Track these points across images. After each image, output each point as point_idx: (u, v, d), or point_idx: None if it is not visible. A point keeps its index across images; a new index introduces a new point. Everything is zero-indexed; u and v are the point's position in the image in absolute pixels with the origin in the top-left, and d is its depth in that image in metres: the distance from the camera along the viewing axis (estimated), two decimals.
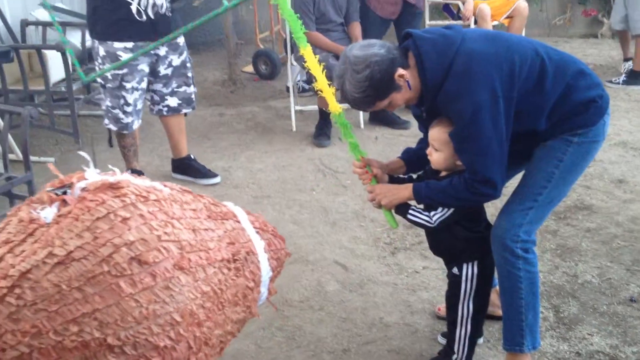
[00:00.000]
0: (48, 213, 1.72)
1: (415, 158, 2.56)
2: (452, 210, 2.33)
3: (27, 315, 1.61)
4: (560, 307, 2.91)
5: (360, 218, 3.78)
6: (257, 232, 2.04)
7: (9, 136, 3.63)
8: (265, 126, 5.36)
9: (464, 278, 2.43)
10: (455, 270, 2.46)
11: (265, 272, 2.01)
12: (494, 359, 2.64)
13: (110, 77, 3.79)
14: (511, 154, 2.23)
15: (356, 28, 4.95)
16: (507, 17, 6.25)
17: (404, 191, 2.38)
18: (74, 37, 5.45)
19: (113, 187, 1.77)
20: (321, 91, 2.46)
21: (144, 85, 3.92)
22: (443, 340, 2.68)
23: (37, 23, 5.42)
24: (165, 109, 4.11)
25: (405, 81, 2.22)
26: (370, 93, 2.22)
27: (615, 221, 3.61)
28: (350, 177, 4.25)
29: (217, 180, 4.30)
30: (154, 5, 3.76)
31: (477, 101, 2.13)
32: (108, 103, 3.91)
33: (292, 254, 2.76)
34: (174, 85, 4.05)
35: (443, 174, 2.41)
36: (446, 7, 6.57)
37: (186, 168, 4.34)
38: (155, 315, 1.67)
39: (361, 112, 5.20)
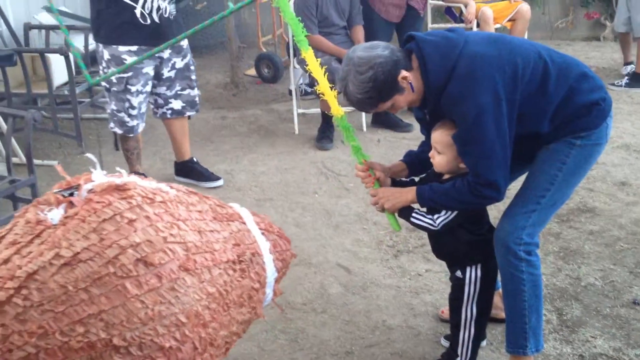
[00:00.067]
0: (55, 214, 1.73)
1: (417, 161, 2.56)
2: (455, 213, 2.33)
3: (34, 316, 1.62)
4: (564, 310, 2.90)
5: (363, 221, 3.78)
6: (263, 234, 2.04)
7: (13, 139, 3.63)
8: (267, 129, 5.37)
9: (467, 281, 2.43)
10: (458, 273, 2.46)
11: (271, 273, 2.01)
12: None
13: (115, 80, 3.79)
14: (514, 157, 2.23)
15: (359, 31, 4.96)
16: (510, 20, 6.26)
17: (407, 194, 2.38)
18: (78, 41, 5.46)
19: (119, 188, 1.77)
20: (323, 94, 2.46)
21: (148, 88, 3.93)
22: (446, 343, 2.68)
23: (40, 27, 5.44)
24: (169, 111, 4.12)
25: (409, 83, 2.23)
26: (373, 94, 2.23)
27: (618, 224, 3.61)
28: (353, 180, 4.25)
29: (219, 183, 4.30)
30: (159, 9, 3.76)
31: (480, 104, 2.13)
32: (113, 106, 3.92)
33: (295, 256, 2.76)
34: (178, 88, 4.05)
35: (446, 176, 2.41)
36: (448, 10, 6.58)
37: (189, 171, 4.34)
38: (161, 316, 1.68)
39: (363, 115, 5.20)
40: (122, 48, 3.76)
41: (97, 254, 1.65)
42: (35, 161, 3.49)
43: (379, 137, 5.06)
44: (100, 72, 3.91)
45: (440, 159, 2.34)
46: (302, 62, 5.05)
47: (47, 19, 5.70)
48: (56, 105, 4.81)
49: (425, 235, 2.78)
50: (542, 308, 2.45)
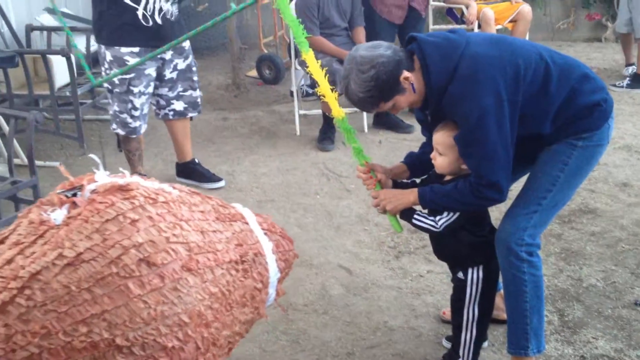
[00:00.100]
0: (58, 215, 1.73)
1: (418, 162, 2.56)
2: (457, 214, 2.33)
3: (37, 316, 1.63)
4: (565, 311, 2.90)
5: (364, 222, 3.78)
6: (265, 234, 2.05)
7: (14, 140, 3.64)
8: (269, 130, 5.37)
9: (469, 282, 2.43)
10: (460, 274, 2.46)
11: (274, 273, 2.02)
12: None
13: (117, 81, 3.80)
14: (516, 158, 2.23)
15: (360, 33, 4.96)
16: (511, 21, 6.26)
17: (409, 196, 2.38)
18: (79, 42, 5.46)
19: (122, 189, 1.78)
20: (324, 96, 2.45)
21: (150, 89, 3.94)
22: (448, 344, 2.68)
23: (42, 28, 5.45)
24: (171, 113, 4.12)
25: (410, 84, 2.23)
26: (375, 94, 2.23)
27: (620, 225, 3.61)
28: (354, 181, 4.25)
29: (221, 184, 4.30)
30: (160, 10, 3.77)
31: (483, 105, 2.13)
32: (116, 108, 3.92)
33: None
34: (180, 89, 4.06)
35: (447, 178, 2.41)
36: (450, 12, 6.58)
37: (190, 172, 4.35)
38: (164, 316, 1.68)
39: (365, 116, 5.21)
40: (124, 49, 3.77)
41: (100, 254, 1.66)
42: (37, 162, 3.50)
43: (380, 138, 5.06)
44: (103, 73, 3.91)
45: (442, 160, 2.34)
46: (304, 64, 5.03)
47: (49, 20, 5.71)
48: (58, 107, 4.81)
49: (426, 236, 2.78)
50: (544, 309, 2.45)
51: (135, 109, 3.90)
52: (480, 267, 2.42)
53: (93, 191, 1.78)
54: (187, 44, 4.01)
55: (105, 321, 1.64)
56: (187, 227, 1.80)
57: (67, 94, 4.83)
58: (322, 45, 4.80)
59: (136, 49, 3.78)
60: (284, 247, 2.10)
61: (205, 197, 2.00)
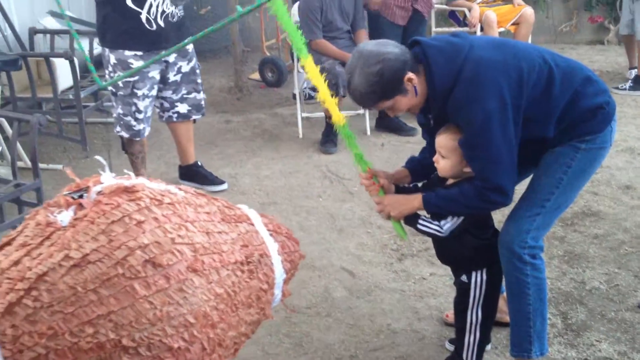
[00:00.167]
0: (65, 216, 1.74)
1: (419, 167, 2.56)
2: (461, 218, 2.33)
3: (44, 317, 1.63)
4: (568, 314, 2.90)
5: (367, 225, 3.78)
6: (271, 235, 2.05)
7: (17, 143, 3.65)
8: (272, 133, 5.38)
9: (472, 285, 2.43)
10: (464, 277, 2.45)
11: (279, 274, 2.02)
12: None
13: (121, 84, 3.81)
14: (519, 160, 2.24)
15: (362, 36, 4.97)
16: (513, 24, 6.26)
17: (414, 201, 2.37)
18: (82, 45, 5.47)
19: (128, 190, 1.79)
20: (324, 102, 2.43)
21: (154, 92, 3.94)
22: (451, 347, 2.68)
23: (45, 31, 5.46)
24: (175, 115, 4.13)
25: (413, 86, 2.22)
26: (377, 90, 2.21)
27: (623, 227, 3.61)
28: (357, 183, 4.25)
29: (224, 187, 4.31)
30: (163, 12, 3.77)
31: (487, 109, 2.13)
32: (119, 110, 3.93)
33: None
34: (184, 91, 4.07)
35: (450, 181, 2.40)
36: (452, 14, 6.59)
37: (193, 175, 4.35)
38: (169, 317, 1.69)
39: (367, 119, 5.21)
40: (128, 52, 3.78)
41: (106, 255, 1.67)
42: (40, 165, 3.50)
43: (382, 141, 5.07)
44: (107, 76, 3.92)
45: (445, 163, 2.34)
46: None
47: (52, 23, 5.72)
48: (61, 110, 4.82)
49: (429, 238, 2.78)
50: (547, 312, 2.45)
51: (139, 111, 3.91)
52: (484, 270, 2.42)
53: (99, 193, 1.79)
54: (190, 47, 4.01)
55: (111, 322, 1.65)
56: (193, 228, 1.80)
57: (70, 96, 4.84)
58: (325, 48, 4.81)
59: (140, 52, 3.79)
60: (290, 248, 2.11)
61: (211, 198, 2.00)
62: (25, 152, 4.39)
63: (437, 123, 2.37)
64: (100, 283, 1.65)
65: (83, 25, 5.76)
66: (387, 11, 5.07)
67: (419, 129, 2.56)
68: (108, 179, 1.84)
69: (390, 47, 2.21)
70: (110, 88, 3.89)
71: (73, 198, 1.79)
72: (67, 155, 5.01)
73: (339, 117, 2.44)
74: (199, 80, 4.14)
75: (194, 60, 4.07)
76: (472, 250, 2.40)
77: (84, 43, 5.39)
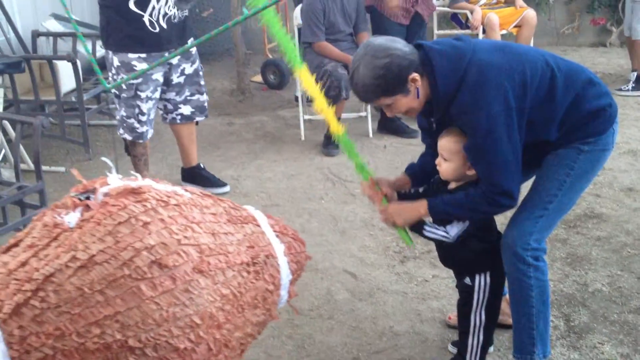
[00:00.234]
0: (72, 218, 1.75)
1: (420, 173, 2.55)
2: (467, 222, 2.32)
3: (51, 317, 1.64)
4: (571, 316, 2.90)
5: (369, 227, 3.78)
6: (277, 236, 2.05)
7: (20, 146, 3.65)
8: (274, 135, 5.38)
9: (476, 288, 2.43)
10: (467, 280, 2.45)
11: (285, 275, 2.02)
12: None
13: (125, 87, 3.81)
14: (522, 163, 2.24)
15: (365, 38, 4.96)
16: (516, 26, 6.26)
17: (419, 208, 2.35)
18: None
19: (134, 192, 1.79)
20: (321, 112, 2.41)
21: (157, 94, 3.95)
22: (453, 349, 2.68)
23: (48, 34, 5.47)
24: (179, 117, 4.13)
25: (416, 88, 2.22)
26: (382, 83, 2.18)
27: (626, 230, 3.60)
28: (359, 186, 4.25)
29: (226, 189, 4.31)
30: (165, 15, 3.78)
31: (492, 113, 2.13)
32: (123, 113, 3.93)
33: None
34: (187, 93, 4.07)
35: (452, 185, 2.40)
36: (454, 17, 6.59)
37: (196, 177, 4.36)
38: (175, 318, 1.70)
39: (370, 121, 5.21)
40: (131, 55, 3.78)
41: (113, 257, 1.67)
42: (43, 167, 3.51)
43: (385, 143, 5.07)
44: (110, 78, 3.93)
45: (447, 166, 2.34)
46: (308, 69, 5.06)
47: (55, 26, 5.74)
48: (64, 112, 4.83)
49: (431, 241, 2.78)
50: (550, 314, 2.45)
51: (143, 114, 3.91)
52: (488, 273, 2.42)
53: (106, 194, 1.80)
54: (194, 49, 4.02)
55: (117, 322, 1.65)
56: (199, 229, 1.81)
57: (73, 99, 4.85)
58: (327, 50, 4.82)
59: (144, 55, 3.79)
60: (296, 249, 2.11)
61: (217, 199, 2.01)
62: (28, 155, 4.40)
63: (440, 126, 2.37)
64: (107, 284, 1.65)
65: (85, 28, 5.77)
66: (389, 12, 5.08)
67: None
68: (115, 181, 1.84)
69: (400, 44, 2.20)
70: (113, 90, 3.90)
71: (80, 199, 1.80)
72: (69, 158, 5.02)
73: (337, 127, 2.42)
74: (202, 82, 4.15)
75: (197, 62, 4.08)
76: (476, 254, 2.40)
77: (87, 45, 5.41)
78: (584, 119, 2.29)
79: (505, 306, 2.67)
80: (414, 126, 5.07)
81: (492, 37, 5.96)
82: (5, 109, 4.70)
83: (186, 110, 4.12)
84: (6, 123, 4.31)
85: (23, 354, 1.63)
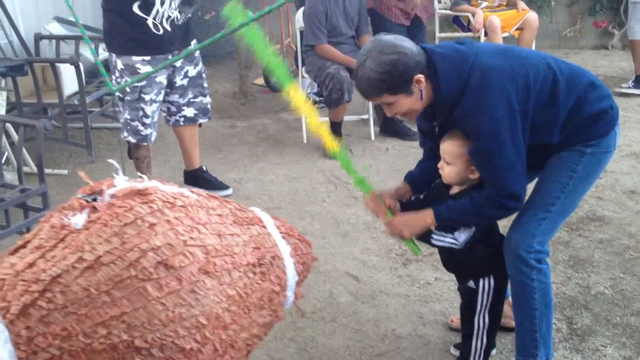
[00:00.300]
0: (79, 219, 1.76)
1: (419, 180, 2.55)
2: (474, 228, 2.32)
3: (58, 318, 1.65)
4: (573, 319, 2.90)
5: (371, 229, 3.79)
6: (283, 237, 2.05)
7: (23, 149, 3.66)
8: (276, 138, 5.39)
9: (480, 291, 2.42)
10: (471, 283, 2.45)
11: (291, 276, 2.03)
12: None
13: (129, 89, 3.82)
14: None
15: (367, 41, 4.97)
16: (517, 29, 6.27)
17: (425, 218, 2.34)
18: (87, 51, 5.50)
19: (141, 193, 1.80)
20: (314, 130, 2.39)
21: (161, 97, 3.96)
22: (456, 352, 2.68)
23: (50, 37, 5.48)
24: (182, 119, 4.14)
25: (420, 90, 2.22)
26: (386, 79, 2.16)
27: (628, 232, 3.60)
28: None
29: (228, 192, 4.32)
30: (169, 17, 3.79)
31: (496, 117, 2.13)
32: (127, 115, 3.94)
33: None
34: (190, 95, 4.08)
35: (454, 189, 2.40)
36: (456, 20, 6.60)
37: (198, 180, 4.36)
38: (181, 318, 1.70)
39: (372, 124, 5.22)
40: (135, 58, 3.79)
41: (119, 257, 1.68)
42: (46, 170, 3.51)
43: (387, 146, 5.07)
44: (114, 81, 3.93)
45: (450, 169, 2.33)
46: (310, 72, 5.09)
47: (57, 29, 5.75)
48: (66, 115, 4.84)
49: None
50: (552, 316, 2.45)
51: (147, 116, 3.92)
52: (492, 277, 2.41)
53: (112, 196, 1.81)
54: (197, 51, 4.03)
55: (124, 323, 1.66)
56: (205, 230, 1.82)
57: (76, 102, 4.86)
58: (330, 53, 4.83)
59: (147, 57, 3.80)
60: (302, 251, 2.11)
61: (223, 200, 2.02)
62: (31, 157, 4.41)
63: (442, 130, 2.37)
64: (113, 285, 1.66)
65: (88, 31, 5.77)
66: (389, 13, 5.10)
67: None
68: (121, 182, 1.85)
69: (409, 44, 2.20)
70: (117, 93, 3.91)
71: (87, 201, 1.81)
72: (72, 161, 5.03)
73: (333, 144, 2.41)
74: (205, 84, 4.15)
75: (200, 64, 4.09)
76: (481, 258, 2.39)
77: (88, 48, 5.42)
78: (585, 122, 2.29)
79: (507, 309, 2.67)
80: (416, 129, 5.09)
81: (494, 39, 5.97)
82: (8, 111, 4.71)
83: (189, 112, 4.12)
84: (9, 126, 4.31)
85: (30, 354, 1.64)
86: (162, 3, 3.72)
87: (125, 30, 3.75)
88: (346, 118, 5.12)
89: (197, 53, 4.04)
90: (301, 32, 5.19)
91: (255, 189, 4.42)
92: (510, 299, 2.56)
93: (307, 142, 5.20)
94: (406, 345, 2.80)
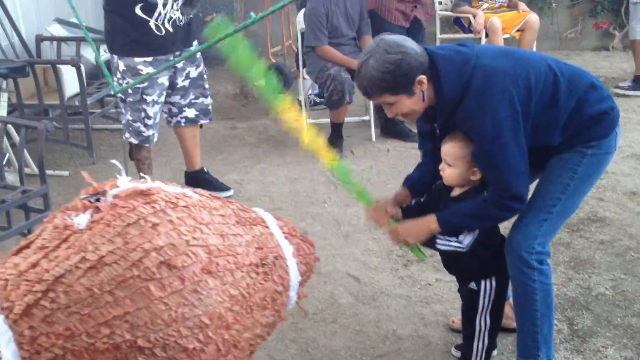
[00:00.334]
0: (82, 219, 1.77)
1: (418, 185, 2.55)
2: (477, 230, 2.33)
3: (61, 318, 1.65)
4: (575, 320, 2.90)
5: (372, 230, 3.79)
6: (286, 237, 2.06)
7: (24, 150, 3.67)
8: (277, 139, 5.39)
9: (482, 293, 2.43)
10: (472, 285, 2.45)
11: (294, 276, 2.03)
12: None
13: (131, 91, 3.82)
14: None
15: (368, 42, 4.99)
16: (518, 30, 6.27)
17: (430, 224, 2.34)
18: (89, 52, 5.51)
19: (144, 194, 1.81)
20: (309, 147, 2.40)
21: (162, 98, 3.96)
22: (457, 353, 2.68)
23: (51, 38, 5.49)
24: (183, 120, 4.15)
25: (422, 91, 2.21)
26: (389, 79, 2.16)
27: (629, 233, 3.60)
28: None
29: (229, 193, 4.32)
30: (170, 18, 3.79)
31: (499, 118, 2.13)
32: (129, 117, 3.94)
33: None
34: (192, 96, 4.08)
35: (456, 191, 2.40)
36: (457, 21, 6.60)
37: (199, 181, 4.36)
38: (184, 318, 1.71)
39: (372, 126, 5.22)
40: (137, 59, 3.79)
41: (122, 257, 1.69)
42: (47, 171, 3.52)
43: (388, 147, 5.08)
44: (115, 83, 3.93)
45: (452, 171, 2.33)
46: (311, 73, 5.09)
47: (59, 30, 5.76)
48: (67, 116, 4.85)
49: None
50: (554, 318, 2.45)
51: (149, 117, 3.92)
52: (493, 278, 2.42)
53: (115, 196, 1.81)
54: (198, 52, 4.04)
55: (127, 323, 1.67)
56: (207, 230, 1.82)
57: (77, 103, 4.87)
58: (331, 54, 4.83)
59: (149, 59, 3.80)
60: (305, 251, 2.11)
61: (225, 201, 2.03)
62: (32, 159, 4.42)
63: (443, 132, 2.37)
64: (116, 284, 1.67)
65: (89, 32, 5.79)
66: (389, 15, 5.10)
67: None
68: (124, 183, 1.86)
69: (413, 44, 2.20)
70: (119, 94, 3.91)
71: (90, 201, 1.82)
72: (73, 162, 5.03)
73: (329, 157, 2.41)
74: (207, 85, 4.16)
75: (202, 65, 4.10)
76: (482, 260, 2.39)
77: (90, 50, 5.43)
78: (586, 123, 2.30)
79: (508, 310, 2.67)
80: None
81: (495, 41, 5.97)
82: (9, 113, 4.71)
83: (190, 113, 4.13)
84: (10, 127, 4.32)
85: (33, 354, 1.64)
86: (165, 5, 3.72)
87: (127, 32, 3.75)
88: (347, 119, 5.12)
89: (198, 54, 4.05)
90: (302, 34, 5.20)
91: (256, 190, 4.42)
92: (511, 299, 2.56)
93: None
94: (407, 346, 2.80)
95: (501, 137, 2.14)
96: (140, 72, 3.77)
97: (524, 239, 2.32)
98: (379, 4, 5.14)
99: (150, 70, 3.73)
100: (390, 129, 5.23)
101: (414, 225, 2.39)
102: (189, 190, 1.94)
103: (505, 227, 2.51)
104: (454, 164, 2.31)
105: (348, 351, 2.78)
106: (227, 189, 4.35)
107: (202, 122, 4.22)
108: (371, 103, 5.10)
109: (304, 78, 5.40)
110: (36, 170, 3.83)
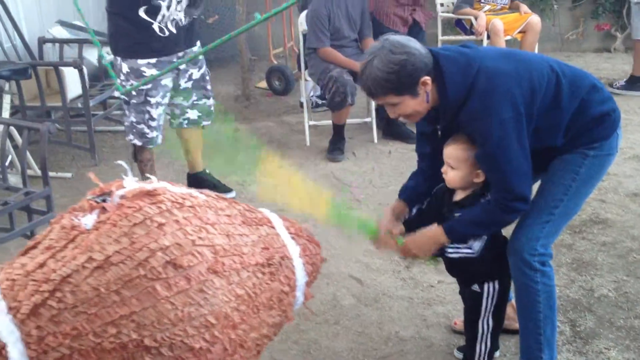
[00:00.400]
0: (88, 220, 1.77)
1: (414, 195, 2.56)
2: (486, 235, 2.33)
3: (68, 317, 1.66)
4: (577, 322, 2.90)
5: None
6: (292, 238, 2.06)
7: (27, 152, 3.67)
8: (279, 141, 5.40)
9: (485, 295, 2.43)
10: (475, 287, 2.45)
11: (301, 276, 2.03)
12: None
13: (134, 92, 3.82)
14: None
15: (369, 44, 4.98)
16: (520, 32, 6.26)
17: (438, 237, 2.34)
18: (91, 54, 5.52)
19: (150, 194, 1.82)
20: (300, 205, 2.41)
21: (166, 100, 3.96)
22: (459, 355, 2.68)
23: (54, 40, 5.49)
24: (186, 121, 4.15)
25: (426, 92, 2.21)
26: (393, 79, 2.16)
27: (631, 235, 3.60)
28: (364, 191, 4.27)
29: (232, 194, 4.32)
30: (173, 20, 3.79)
31: (503, 120, 2.14)
32: (132, 118, 3.94)
33: None
34: (194, 98, 4.09)
35: (459, 194, 2.39)
36: (459, 23, 6.60)
37: (201, 182, 4.36)
38: (190, 318, 1.71)
39: (374, 127, 5.22)
40: (141, 61, 3.79)
41: (128, 257, 1.69)
42: (50, 173, 3.52)
43: (389, 149, 5.08)
44: (119, 84, 3.93)
45: (454, 174, 2.33)
46: (313, 75, 5.09)
47: (61, 32, 5.76)
48: (70, 118, 4.85)
49: None
50: (556, 319, 2.45)
51: (153, 119, 3.92)
52: (496, 281, 2.42)
53: (122, 196, 1.82)
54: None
55: (133, 322, 1.67)
56: (213, 230, 1.83)
57: (79, 105, 4.87)
58: (332, 56, 4.83)
59: (153, 60, 3.80)
60: (311, 251, 2.12)
61: (232, 201, 2.04)
62: (35, 161, 4.42)
63: (445, 134, 2.37)
64: (123, 284, 1.67)
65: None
66: (387, 20, 5.11)
67: None
68: (130, 183, 1.87)
69: (417, 45, 2.20)
70: (122, 97, 3.91)
71: (96, 202, 1.83)
72: (75, 164, 5.04)
73: (324, 202, 2.41)
74: (209, 87, 4.16)
75: (204, 67, 4.10)
76: (486, 262, 2.39)
77: (92, 52, 5.44)
78: (588, 125, 2.30)
79: (511, 311, 2.67)
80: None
81: (497, 43, 5.97)
82: (11, 115, 4.72)
83: (193, 114, 4.13)
84: (13, 129, 4.33)
85: (41, 353, 1.65)
86: (169, 7, 3.73)
87: (130, 34, 3.75)
88: (349, 121, 5.12)
89: (201, 56, 4.05)
90: (304, 35, 5.20)
91: (258, 191, 4.42)
92: (513, 301, 2.57)
93: (310, 145, 5.21)
94: (409, 347, 2.80)
95: (505, 139, 2.15)
96: (144, 73, 3.77)
97: (527, 240, 2.32)
98: (377, 9, 5.14)
99: (154, 71, 3.74)
100: (391, 130, 5.23)
101: (422, 240, 2.39)
102: (194, 191, 1.95)
103: (507, 228, 2.51)
104: (457, 166, 2.31)
105: (350, 353, 2.78)
106: (230, 190, 4.35)
107: (204, 123, 4.22)
108: (373, 105, 5.10)
109: (305, 80, 5.40)
110: (39, 172, 3.84)
